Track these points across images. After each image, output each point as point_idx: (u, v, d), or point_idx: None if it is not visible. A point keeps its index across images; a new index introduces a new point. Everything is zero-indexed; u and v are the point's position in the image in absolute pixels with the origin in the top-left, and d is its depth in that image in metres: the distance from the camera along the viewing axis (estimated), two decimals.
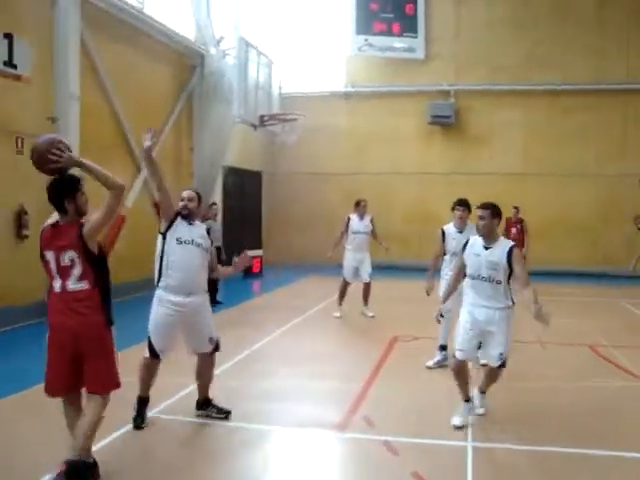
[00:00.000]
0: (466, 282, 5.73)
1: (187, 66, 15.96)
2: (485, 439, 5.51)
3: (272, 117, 18.70)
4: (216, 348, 5.76)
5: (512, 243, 5.61)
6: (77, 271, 4.21)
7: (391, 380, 7.38)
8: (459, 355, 5.68)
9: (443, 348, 7.96)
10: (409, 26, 20.21)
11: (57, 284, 4.25)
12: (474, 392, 5.99)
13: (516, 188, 18.63)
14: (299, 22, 20.73)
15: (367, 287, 11.49)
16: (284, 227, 20.53)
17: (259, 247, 18.48)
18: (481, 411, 6.00)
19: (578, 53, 19.50)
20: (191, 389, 6.44)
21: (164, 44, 14.76)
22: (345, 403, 6.37)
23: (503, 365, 5.68)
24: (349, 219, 11.57)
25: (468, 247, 5.69)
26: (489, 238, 5.54)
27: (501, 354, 5.59)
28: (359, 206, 11.63)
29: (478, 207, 5.58)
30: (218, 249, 12.48)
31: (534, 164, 19.62)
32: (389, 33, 20.32)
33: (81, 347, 4.21)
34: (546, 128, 19.71)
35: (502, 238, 5.65)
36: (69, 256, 4.19)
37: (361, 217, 11.59)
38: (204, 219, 12.78)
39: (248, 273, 17.04)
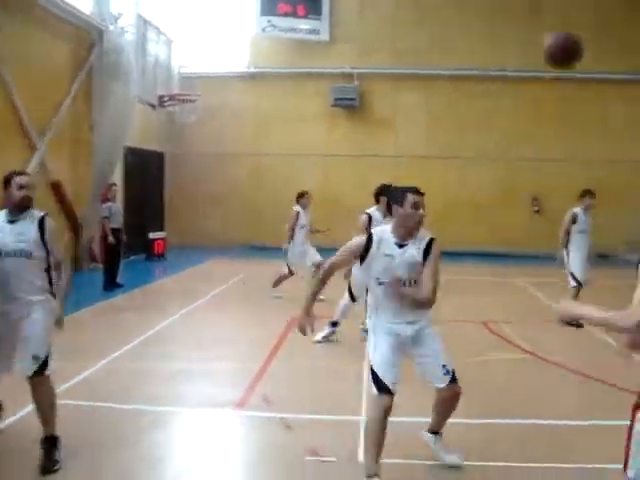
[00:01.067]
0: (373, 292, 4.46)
1: (86, 42, 15.37)
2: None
3: (171, 97, 18.37)
4: (41, 368, 4.48)
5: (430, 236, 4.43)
6: None
7: (289, 359, 7.47)
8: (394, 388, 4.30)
9: (334, 324, 8.21)
10: (314, 8, 20.22)
11: None
12: (426, 435, 4.83)
13: (420, 171, 19.05)
14: (201, 1, 20.35)
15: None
16: (188, 208, 20.25)
17: (161, 229, 18.17)
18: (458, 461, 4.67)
19: (479, 40, 20.04)
20: (90, 372, 6.34)
21: (61, 19, 14.13)
22: (244, 382, 6.41)
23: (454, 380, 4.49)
24: (298, 213, 11.18)
25: (374, 245, 4.32)
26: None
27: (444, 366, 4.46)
28: (303, 198, 11.27)
29: (416, 192, 4.32)
30: (118, 230, 12.25)
31: (437, 147, 20.07)
32: (294, 15, 20.26)
33: None
34: (449, 112, 20.21)
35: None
36: None
37: (305, 209, 11.27)
38: (104, 200, 12.47)
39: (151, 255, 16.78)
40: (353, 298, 8.14)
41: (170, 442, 5.16)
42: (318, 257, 10.97)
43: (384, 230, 4.40)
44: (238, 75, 20.68)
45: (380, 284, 4.30)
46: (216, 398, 5.98)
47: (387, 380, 4.21)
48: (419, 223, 4.31)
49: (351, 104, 20.08)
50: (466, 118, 20.11)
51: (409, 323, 4.39)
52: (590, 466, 4.61)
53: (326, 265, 4.46)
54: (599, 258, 19.10)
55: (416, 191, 4.30)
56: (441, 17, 20.15)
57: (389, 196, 4.48)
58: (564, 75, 19.76)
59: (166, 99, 18.05)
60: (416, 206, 4.24)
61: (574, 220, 9.70)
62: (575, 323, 9.20)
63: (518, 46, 19.94)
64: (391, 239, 4.30)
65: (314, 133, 20.31)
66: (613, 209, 18.50)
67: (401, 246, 4.29)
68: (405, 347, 4.42)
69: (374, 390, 4.24)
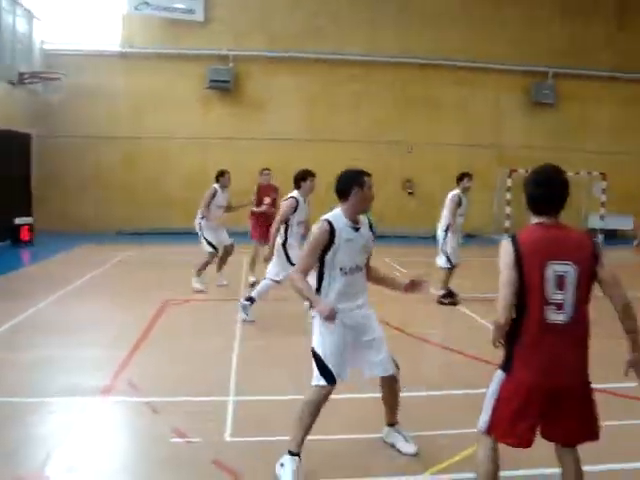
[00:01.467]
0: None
1: None
2: (247, 393, 5.77)
3: (33, 75, 17.50)
4: None
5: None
6: None
7: (158, 343, 7.44)
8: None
9: (251, 300, 8.39)
10: None
11: None
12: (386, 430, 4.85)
13: (294, 154, 19.26)
14: None
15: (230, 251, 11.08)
16: (59, 193, 19.45)
17: (28, 214, 17.36)
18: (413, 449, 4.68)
19: (352, 25, 20.45)
20: None
21: None
22: (111, 369, 6.33)
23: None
24: (216, 192, 10.72)
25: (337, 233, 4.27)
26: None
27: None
28: (223, 177, 10.86)
29: (367, 174, 4.41)
30: None
31: (311, 130, 20.37)
32: None
33: None
34: (322, 95, 20.52)
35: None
36: None
37: (224, 189, 10.86)
38: None
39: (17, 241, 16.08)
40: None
41: (28, 433, 5.00)
42: (229, 240, 10.93)
43: (336, 215, 4.36)
44: (110, 54, 19.96)
45: (345, 274, 4.31)
46: (81, 385, 5.89)
47: (335, 371, 4.25)
48: (368, 207, 4.46)
49: (226, 86, 19.95)
50: (340, 101, 20.52)
51: (359, 307, 4.49)
52: (443, 432, 4.94)
53: (297, 275, 4.26)
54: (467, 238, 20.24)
55: (368, 174, 4.42)
56: (316, 2, 20.37)
57: (345, 180, 4.37)
58: (431, 62, 20.69)
59: (26, 77, 17.14)
60: (370, 188, 4.37)
61: (459, 203, 9.96)
62: (450, 302, 9.78)
63: (391, 31, 20.56)
64: (347, 223, 4.32)
65: (189, 115, 20.02)
66: (476, 191, 19.53)
67: (356, 229, 4.36)
68: (353, 333, 4.41)
69: (321, 381, 4.24)
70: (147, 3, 19.69)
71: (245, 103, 20.41)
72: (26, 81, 17.21)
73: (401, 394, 4.71)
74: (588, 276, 3.30)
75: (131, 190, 19.69)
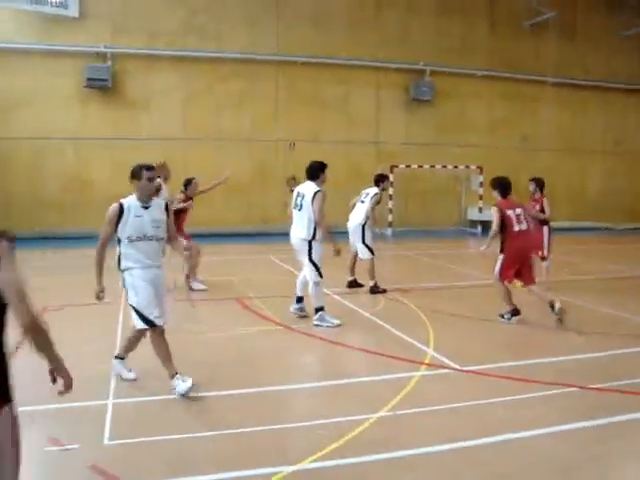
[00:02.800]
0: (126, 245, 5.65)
1: None
2: (126, 395, 5.68)
3: None
4: None
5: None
6: None
7: (33, 353, 7.15)
8: (160, 322, 5.68)
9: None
10: None
11: None
12: (115, 363, 6.10)
13: (176, 153, 19.01)
14: None
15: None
16: None
17: None
18: (132, 375, 6.04)
19: (234, 22, 20.39)
20: None
21: None
22: None
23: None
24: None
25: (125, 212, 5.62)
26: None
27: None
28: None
29: (147, 168, 5.76)
30: None
31: (193, 129, 20.17)
32: None
33: None
34: (204, 94, 20.37)
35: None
36: None
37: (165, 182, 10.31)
38: None
39: None
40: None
41: None
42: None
43: (131, 199, 5.71)
44: None
45: (132, 241, 5.60)
46: None
47: (153, 316, 5.60)
48: (156, 191, 5.83)
49: (104, 85, 19.39)
50: (222, 100, 20.41)
51: (157, 267, 5.78)
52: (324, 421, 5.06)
53: (99, 245, 5.63)
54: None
55: (149, 167, 5.76)
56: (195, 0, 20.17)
57: (132, 171, 5.74)
58: (313, 60, 20.96)
59: None
60: (148, 179, 5.68)
61: (378, 201, 11.02)
62: (381, 290, 10.60)
63: (271, 30, 20.67)
64: (138, 204, 5.66)
65: (65, 115, 19.31)
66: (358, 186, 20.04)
67: (146, 208, 5.67)
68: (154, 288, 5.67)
69: (142, 325, 5.65)
70: None
71: (125, 102, 19.92)
72: None
73: (281, 387, 4.76)
74: None
75: (7, 193, 18.78)
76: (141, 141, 19.38)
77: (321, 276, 8.27)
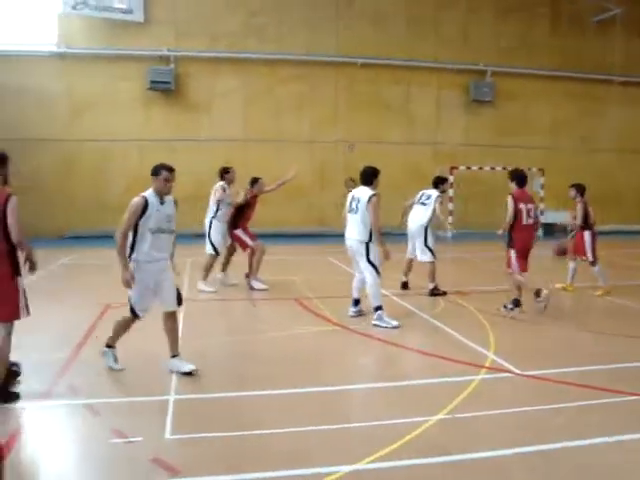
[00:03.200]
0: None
1: None
2: (187, 392, 5.79)
3: None
4: None
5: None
6: None
7: (99, 346, 7.35)
8: (142, 315, 6.35)
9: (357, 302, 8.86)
10: None
11: None
12: (172, 363, 6.29)
13: (237, 154, 19.27)
14: None
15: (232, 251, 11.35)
16: None
17: None
18: (189, 368, 6.20)
19: (293, 25, 20.54)
20: None
21: None
22: (51, 373, 6.26)
23: (181, 302, 6.41)
24: (225, 189, 10.78)
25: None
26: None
27: (179, 294, 6.36)
28: (229, 173, 10.91)
29: (167, 169, 6.21)
30: None
31: (253, 131, 20.38)
32: None
33: None
34: (264, 96, 20.58)
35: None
36: None
37: (229, 185, 10.92)
38: None
39: None
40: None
41: None
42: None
43: (150, 193, 6.15)
44: (45, 55, 19.62)
45: (153, 232, 6.08)
46: (21, 390, 5.80)
47: (138, 309, 6.23)
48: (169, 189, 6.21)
49: (167, 87, 19.80)
50: (282, 101, 20.58)
51: (165, 259, 6.28)
52: (391, 422, 5.06)
53: (122, 234, 6.05)
54: None
55: (170, 169, 6.22)
56: (256, 1, 20.38)
57: (153, 169, 6.24)
58: (373, 61, 20.93)
59: None
60: (166, 179, 6.16)
61: (441, 203, 10.98)
62: (441, 292, 10.53)
63: (330, 32, 20.72)
64: (156, 199, 6.14)
65: (130, 117, 19.81)
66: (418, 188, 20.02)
67: (162, 203, 6.17)
68: (156, 278, 6.19)
69: (129, 314, 6.29)
70: (85, 3, 19.38)
71: (187, 104, 20.29)
72: None
73: (339, 387, 4.77)
74: None
75: (71, 194, 19.35)
76: (201, 142, 19.72)
77: (380, 276, 8.31)
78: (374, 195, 8.34)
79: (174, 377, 6.08)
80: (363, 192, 8.44)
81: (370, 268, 8.29)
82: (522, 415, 5.28)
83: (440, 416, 5.16)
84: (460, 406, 5.40)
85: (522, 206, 9.01)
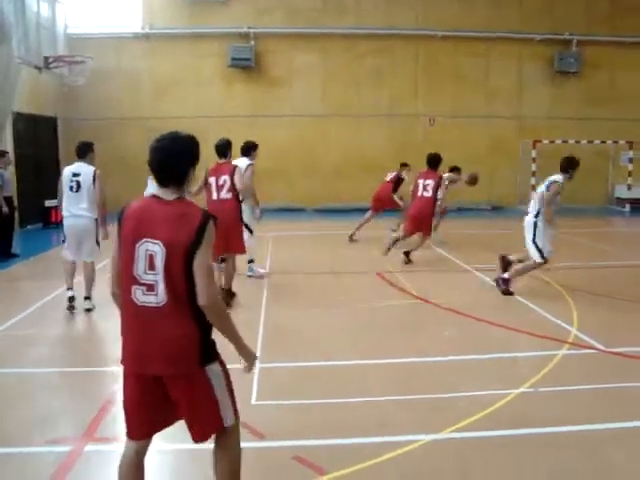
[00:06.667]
0: None
1: None
2: (272, 360, 5.95)
3: (57, 59, 17.68)
4: None
5: None
6: None
7: None
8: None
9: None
10: None
11: None
12: None
13: (317, 129, 19.45)
14: None
15: None
16: None
17: (56, 196, 17.67)
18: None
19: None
20: None
21: None
22: None
23: None
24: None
25: None
26: None
27: None
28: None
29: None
30: (9, 199, 11.98)
31: (333, 106, 20.39)
32: None
33: None
34: (343, 71, 20.50)
35: None
36: None
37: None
38: None
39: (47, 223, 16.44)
40: None
41: (66, 402, 5.27)
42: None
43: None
44: (131, 36, 20.12)
45: None
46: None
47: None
48: None
49: (248, 64, 20.00)
50: (361, 76, 20.48)
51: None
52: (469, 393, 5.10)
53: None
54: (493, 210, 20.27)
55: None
56: None
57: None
58: (451, 33, 20.52)
59: (52, 61, 17.38)
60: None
61: (558, 192, 8.63)
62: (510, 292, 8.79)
63: (410, 4, 20.42)
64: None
65: (211, 94, 20.14)
66: (500, 163, 19.84)
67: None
68: None
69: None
70: None
71: (267, 80, 20.45)
72: (51, 66, 17.45)
73: (422, 359, 4.80)
74: (183, 256, 2.84)
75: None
76: (282, 118, 19.90)
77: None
78: (250, 165, 9.10)
79: (259, 346, 6.25)
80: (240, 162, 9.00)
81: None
82: (604, 391, 5.21)
83: (522, 389, 5.16)
84: (542, 380, 5.37)
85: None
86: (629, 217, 19.69)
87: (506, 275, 8.73)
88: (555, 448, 4.24)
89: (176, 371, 2.92)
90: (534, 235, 8.54)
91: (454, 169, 13.14)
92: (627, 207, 20.57)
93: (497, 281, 8.82)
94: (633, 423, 4.57)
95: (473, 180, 12.97)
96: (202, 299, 2.82)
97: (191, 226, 2.85)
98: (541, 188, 8.68)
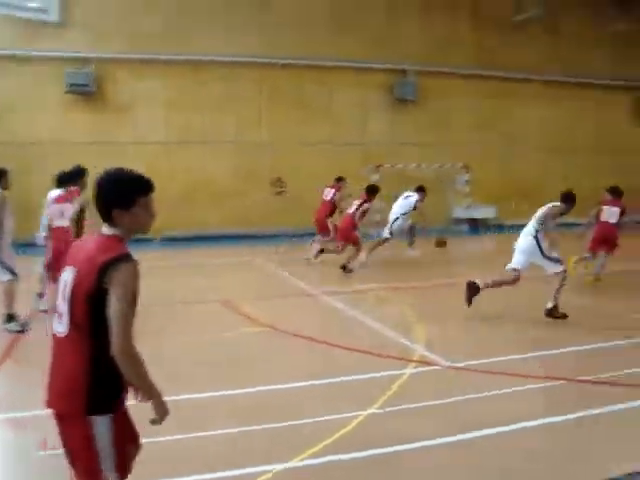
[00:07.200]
0: None
1: None
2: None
3: None
4: None
5: None
6: None
7: (23, 359, 7.14)
8: None
9: None
10: None
11: None
12: None
13: (161, 156, 19.05)
14: None
15: None
16: None
17: None
18: None
19: (215, 26, 20.30)
20: None
21: None
22: None
23: None
24: None
25: None
26: None
27: None
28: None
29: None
30: None
31: (177, 133, 20.06)
32: None
33: None
34: (187, 97, 20.21)
35: None
36: None
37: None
38: None
39: None
40: None
41: None
42: None
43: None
44: None
45: None
46: None
47: None
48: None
49: (87, 90, 19.23)
50: (206, 103, 20.30)
51: None
52: (317, 419, 5.08)
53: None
54: None
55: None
56: (176, 3, 20.08)
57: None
58: (296, 61, 20.95)
59: None
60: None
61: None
62: (560, 315, 8.58)
63: (252, 33, 20.58)
64: None
65: (49, 120, 19.16)
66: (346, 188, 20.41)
67: None
68: None
69: None
70: None
71: (109, 107, 19.75)
72: None
73: (269, 387, 4.75)
74: (86, 291, 2.73)
75: None
76: (126, 145, 19.27)
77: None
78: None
79: None
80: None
81: None
82: (450, 406, 5.40)
83: (371, 410, 5.22)
84: (389, 400, 5.48)
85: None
86: (469, 236, 20.90)
87: (550, 305, 8.55)
88: (403, 467, 4.32)
89: (59, 409, 2.82)
90: (541, 251, 8.65)
91: (419, 189, 14.90)
92: (465, 226, 21.81)
93: None
94: (472, 434, 4.75)
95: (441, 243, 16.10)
96: (112, 347, 2.69)
97: (102, 260, 2.74)
98: (541, 210, 8.92)
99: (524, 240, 8.82)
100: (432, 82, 22.52)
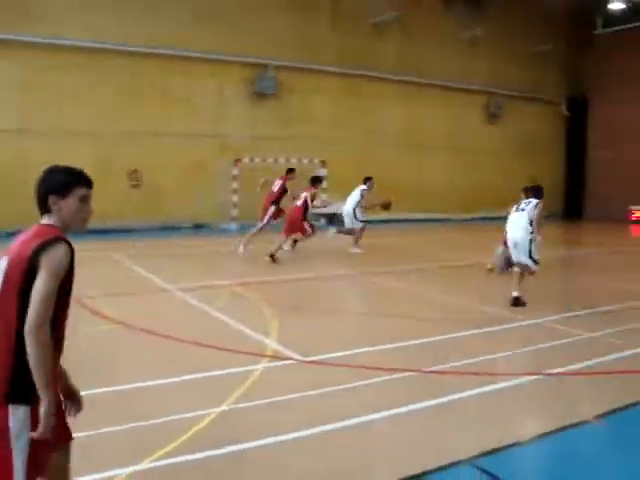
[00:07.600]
0: None
1: None
2: None
3: None
4: None
5: None
6: None
7: None
8: None
9: None
10: None
11: None
12: None
13: (13, 147, 17.97)
14: None
15: None
16: None
17: None
18: None
19: (74, 9, 19.15)
20: None
21: None
22: None
23: None
24: None
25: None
26: None
27: None
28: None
29: None
30: None
31: (29, 121, 18.76)
32: None
33: None
34: (42, 84, 18.85)
35: None
36: None
37: None
38: None
39: None
40: None
41: None
42: None
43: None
44: None
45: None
46: None
47: None
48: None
49: None
50: (61, 90, 19.11)
51: None
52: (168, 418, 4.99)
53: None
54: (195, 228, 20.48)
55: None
56: None
57: None
58: (154, 50, 20.37)
59: None
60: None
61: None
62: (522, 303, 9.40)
63: (110, 17, 19.70)
64: None
65: None
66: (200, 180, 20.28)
67: None
68: None
69: None
70: None
71: None
72: None
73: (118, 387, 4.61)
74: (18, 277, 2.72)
75: None
76: None
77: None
78: None
79: None
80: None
81: None
82: (302, 400, 5.48)
83: (222, 408, 5.20)
84: (243, 396, 5.48)
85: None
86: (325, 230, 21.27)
87: (515, 294, 9.36)
88: (250, 465, 4.34)
89: None
90: (530, 251, 9.38)
91: (366, 179, 15.85)
92: (323, 221, 22.18)
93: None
94: (329, 426, 4.87)
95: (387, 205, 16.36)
96: (25, 325, 2.64)
97: (33, 245, 2.75)
98: (525, 211, 9.57)
99: (520, 235, 9.51)
100: (293, 78, 22.76)
